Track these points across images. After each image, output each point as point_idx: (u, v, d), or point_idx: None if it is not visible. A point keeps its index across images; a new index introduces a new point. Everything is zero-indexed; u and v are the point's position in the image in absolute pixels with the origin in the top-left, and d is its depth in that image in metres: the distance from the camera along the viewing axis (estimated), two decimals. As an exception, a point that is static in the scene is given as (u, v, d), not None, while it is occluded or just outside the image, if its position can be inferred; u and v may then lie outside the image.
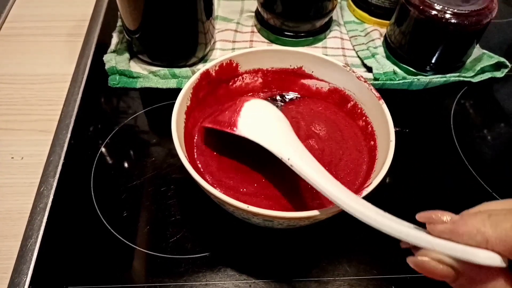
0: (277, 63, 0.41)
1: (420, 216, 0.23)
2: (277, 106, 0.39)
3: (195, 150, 0.37)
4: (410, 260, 0.23)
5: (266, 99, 0.42)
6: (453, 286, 0.22)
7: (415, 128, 0.46)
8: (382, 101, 0.36)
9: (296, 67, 0.41)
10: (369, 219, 0.24)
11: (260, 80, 0.42)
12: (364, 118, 0.39)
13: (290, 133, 0.34)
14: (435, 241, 0.22)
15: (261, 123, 0.34)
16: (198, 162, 0.37)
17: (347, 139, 0.39)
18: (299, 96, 0.43)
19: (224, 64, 0.39)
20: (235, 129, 0.34)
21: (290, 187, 0.35)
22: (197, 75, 0.37)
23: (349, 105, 0.40)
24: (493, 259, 0.20)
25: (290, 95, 0.43)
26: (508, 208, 0.21)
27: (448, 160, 0.43)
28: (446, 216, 0.22)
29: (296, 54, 0.41)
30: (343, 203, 0.26)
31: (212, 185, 0.30)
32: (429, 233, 0.22)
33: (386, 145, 0.34)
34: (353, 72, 0.38)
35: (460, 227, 0.21)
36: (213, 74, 0.39)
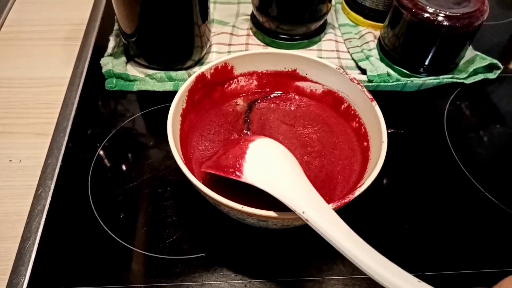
0: (272, 66, 0.42)
1: None
2: (268, 98, 0.39)
3: (191, 152, 0.38)
4: None
5: (262, 98, 0.43)
6: None
7: (409, 129, 0.46)
8: (374, 103, 0.36)
9: (290, 70, 0.42)
10: None
11: (255, 82, 0.43)
12: (357, 119, 0.39)
13: (301, 177, 0.31)
14: None
15: (269, 167, 0.31)
16: (194, 164, 0.37)
17: (337, 135, 0.39)
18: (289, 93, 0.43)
19: (219, 67, 0.40)
20: (240, 175, 0.31)
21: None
22: (192, 78, 0.38)
23: (342, 106, 0.41)
24: None
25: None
26: None
27: (442, 161, 0.43)
28: None
29: (290, 57, 0.41)
30: (371, 271, 0.24)
31: (207, 186, 0.30)
32: None
33: (379, 146, 0.34)
34: (346, 74, 0.39)
35: None
36: (209, 77, 0.39)
